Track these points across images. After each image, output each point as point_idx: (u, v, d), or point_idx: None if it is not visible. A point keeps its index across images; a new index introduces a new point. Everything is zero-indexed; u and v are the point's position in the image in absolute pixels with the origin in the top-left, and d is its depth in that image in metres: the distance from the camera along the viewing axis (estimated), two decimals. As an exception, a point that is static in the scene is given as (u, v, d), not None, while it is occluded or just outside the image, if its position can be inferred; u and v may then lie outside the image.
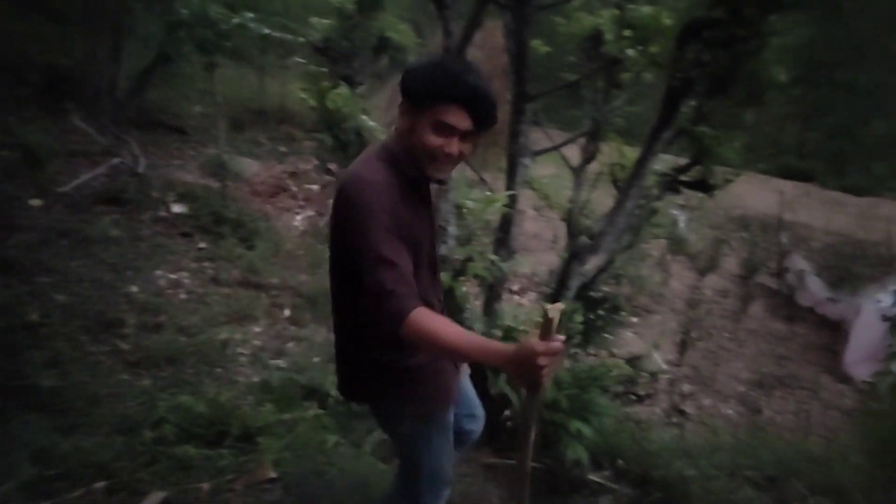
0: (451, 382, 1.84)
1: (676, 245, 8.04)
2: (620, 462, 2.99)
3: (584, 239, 3.01)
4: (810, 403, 4.72)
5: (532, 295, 6.19)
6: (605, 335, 3.25)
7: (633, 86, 3.68)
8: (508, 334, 2.71)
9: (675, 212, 8.49)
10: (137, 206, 5.63)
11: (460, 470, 2.66)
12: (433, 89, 1.51)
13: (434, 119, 1.52)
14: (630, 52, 3.24)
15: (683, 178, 3.27)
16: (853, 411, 4.82)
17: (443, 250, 2.72)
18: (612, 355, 3.94)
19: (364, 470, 2.66)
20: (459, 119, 1.52)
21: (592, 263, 3.14)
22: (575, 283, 3.07)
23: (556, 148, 3.62)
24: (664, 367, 5.17)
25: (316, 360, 3.85)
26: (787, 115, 32.71)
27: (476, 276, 2.75)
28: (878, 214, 20.68)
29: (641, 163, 3.01)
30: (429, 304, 1.53)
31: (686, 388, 4.96)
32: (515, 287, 6.37)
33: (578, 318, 2.95)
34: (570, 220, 3.54)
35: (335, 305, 1.73)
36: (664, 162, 3.45)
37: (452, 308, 2.70)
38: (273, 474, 2.62)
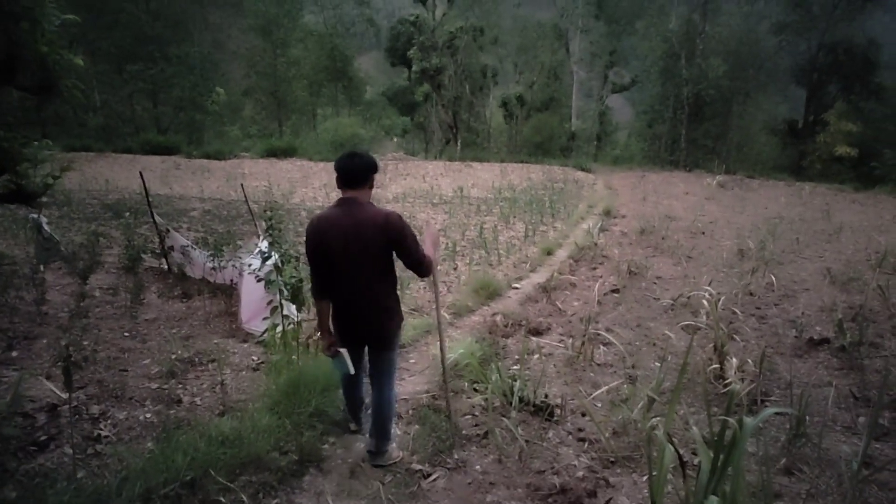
0: None
1: (44, 252, 7.08)
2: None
3: None
4: (223, 373, 4.84)
5: None
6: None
7: None
8: None
9: (33, 216, 7.44)
10: None
11: None
12: None
13: None
14: None
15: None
16: (258, 367, 5.18)
17: None
18: None
19: None
20: None
21: None
22: None
23: None
24: (64, 396, 4.50)
25: None
26: (132, 93, 32.79)
27: None
28: (240, 173, 23.08)
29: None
30: None
31: (95, 409, 4.43)
32: None
33: None
34: None
35: (375, 285, 3.33)
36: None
37: None
38: None
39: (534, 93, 39.40)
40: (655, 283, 8.51)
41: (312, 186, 20.87)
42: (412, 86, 38.66)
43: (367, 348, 3.60)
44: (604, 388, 4.55)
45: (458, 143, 36.46)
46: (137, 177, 8.35)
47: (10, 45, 2.38)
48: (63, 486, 3.14)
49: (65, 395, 4.44)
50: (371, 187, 3.37)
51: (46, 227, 7.61)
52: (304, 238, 3.39)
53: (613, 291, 8.03)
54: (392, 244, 3.26)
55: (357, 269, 3.26)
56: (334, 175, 3.35)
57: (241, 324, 6.05)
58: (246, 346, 5.72)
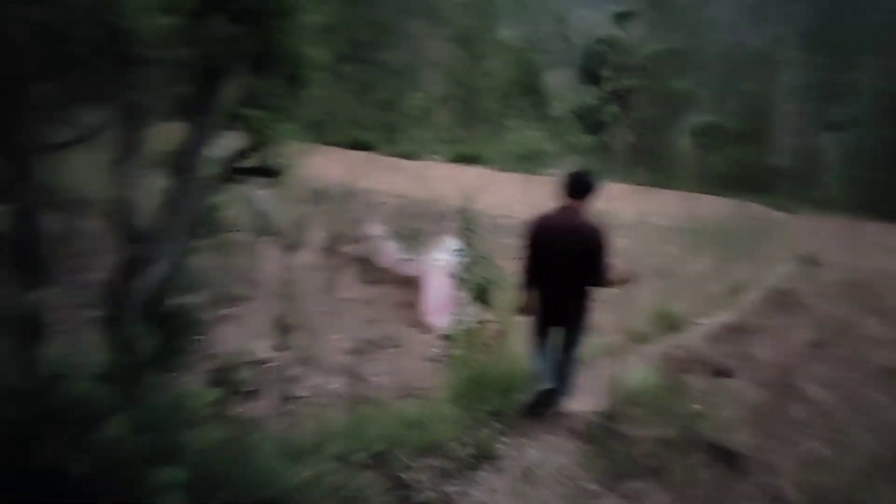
0: None
1: (263, 227, 7.90)
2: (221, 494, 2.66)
3: (134, 248, 2.55)
4: (403, 359, 5.10)
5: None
6: (186, 355, 2.82)
7: (163, 62, 3.10)
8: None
9: (259, 192, 8.32)
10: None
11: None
12: None
13: None
14: (142, 22, 2.69)
15: (243, 165, 3.04)
16: (439, 359, 5.39)
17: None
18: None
19: None
20: None
21: (156, 273, 2.66)
22: (137, 301, 2.58)
23: (81, 141, 2.94)
24: (269, 355, 5.01)
25: None
26: (342, 91, 35.50)
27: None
28: (429, 175, 24.07)
29: (188, 152, 2.67)
30: None
31: (294, 371, 4.89)
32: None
33: (150, 342, 2.48)
34: (118, 224, 2.84)
35: (574, 280, 4.04)
36: (224, 148, 3.15)
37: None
38: None
39: (732, 122, 36.92)
40: (866, 344, 7.60)
41: (495, 195, 21.26)
42: (601, 105, 37.96)
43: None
44: (801, 448, 4.16)
45: (644, 168, 35.20)
46: (340, 169, 9.07)
47: (269, 40, 2.65)
48: (266, 433, 3.48)
49: (269, 354, 4.95)
50: (590, 201, 4.12)
51: (263, 204, 8.49)
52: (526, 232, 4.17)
53: (813, 345, 7.30)
54: (589, 252, 3.95)
55: (560, 266, 4.00)
56: (559, 186, 4.13)
57: (424, 316, 6.34)
58: (426, 337, 5.98)
